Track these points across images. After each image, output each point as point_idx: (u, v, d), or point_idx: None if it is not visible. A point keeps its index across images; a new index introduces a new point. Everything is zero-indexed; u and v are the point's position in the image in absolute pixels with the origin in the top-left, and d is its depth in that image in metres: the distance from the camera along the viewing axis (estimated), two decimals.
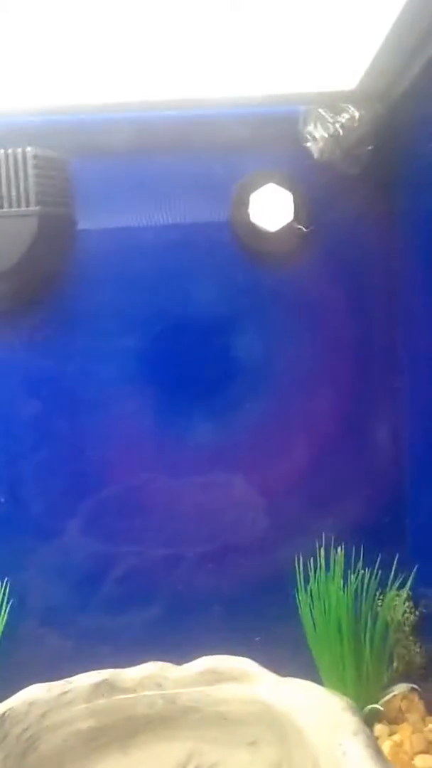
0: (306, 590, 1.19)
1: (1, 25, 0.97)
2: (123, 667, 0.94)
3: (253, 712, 0.89)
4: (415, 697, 1.20)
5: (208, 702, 0.91)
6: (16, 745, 0.81)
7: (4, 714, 0.82)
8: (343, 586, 1.16)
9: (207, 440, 1.29)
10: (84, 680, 0.91)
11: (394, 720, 1.17)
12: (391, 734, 1.13)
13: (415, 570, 1.22)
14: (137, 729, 0.91)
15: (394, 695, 1.19)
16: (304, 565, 1.21)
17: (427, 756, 1.07)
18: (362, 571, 1.18)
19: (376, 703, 1.15)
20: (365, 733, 0.74)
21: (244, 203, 1.23)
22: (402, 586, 1.20)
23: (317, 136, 1.18)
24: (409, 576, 1.22)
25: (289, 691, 0.86)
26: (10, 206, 1.16)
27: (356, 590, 1.16)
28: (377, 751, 0.72)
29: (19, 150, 1.16)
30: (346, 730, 0.74)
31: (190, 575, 1.30)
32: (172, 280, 1.28)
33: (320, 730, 0.77)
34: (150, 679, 0.92)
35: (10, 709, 0.83)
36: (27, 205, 1.16)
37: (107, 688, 0.90)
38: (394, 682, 1.21)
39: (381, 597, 1.19)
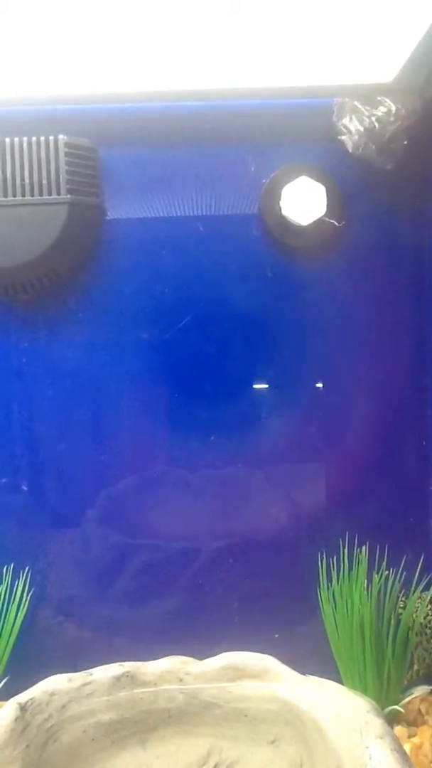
0: (328, 589, 1.18)
1: (33, 14, 0.96)
2: (141, 660, 0.93)
3: (274, 710, 0.88)
4: None
5: (229, 698, 0.90)
6: (37, 735, 0.81)
7: (25, 703, 0.81)
8: (367, 587, 1.14)
9: (231, 434, 1.28)
10: (105, 672, 0.90)
11: (413, 722, 1.16)
12: (410, 736, 1.12)
13: None
14: (157, 723, 0.91)
15: (414, 697, 1.18)
16: (327, 563, 1.20)
17: None
18: (386, 572, 1.17)
19: (396, 704, 1.14)
20: (391, 736, 0.74)
21: (276, 196, 1.22)
22: (427, 588, 1.19)
23: (352, 129, 1.16)
24: None
25: (311, 691, 0.85)
26: (41, 194, 1.15)
27: (379, 591, 1.15)
28: (403, 755, 0.71)
29: (51, 138, 1.16)
30: (371, 733, 0.73)
31: (210, 569, 1.30)
32: (200, 272, 1.27)
33: (344, 732, 0.76)
34: (171, 673, 0.91)
35: (31, 699, 0.83)
36: (58, 193, 1.15)
37: (128, 681, 0.90)
38: (413, 684, 1.20)
39: (404, 598, 1.18)
